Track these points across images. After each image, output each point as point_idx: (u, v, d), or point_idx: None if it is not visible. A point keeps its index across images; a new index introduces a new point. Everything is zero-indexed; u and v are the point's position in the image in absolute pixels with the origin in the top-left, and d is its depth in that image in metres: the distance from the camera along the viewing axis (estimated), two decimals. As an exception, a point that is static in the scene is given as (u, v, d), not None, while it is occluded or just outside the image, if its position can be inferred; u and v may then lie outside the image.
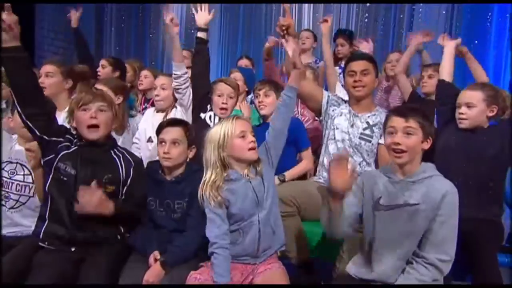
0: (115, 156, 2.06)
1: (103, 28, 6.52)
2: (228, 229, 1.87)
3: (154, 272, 1.88)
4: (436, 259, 1.68)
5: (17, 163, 2.19)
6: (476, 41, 4.35)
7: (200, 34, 2.69)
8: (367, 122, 2.41)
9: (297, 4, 5.29)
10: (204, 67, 2.71)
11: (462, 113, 2.29)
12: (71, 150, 1.98)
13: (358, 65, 2.41)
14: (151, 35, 6.30)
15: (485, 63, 4.09)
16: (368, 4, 4.86)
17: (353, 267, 1.86)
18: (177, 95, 2.78)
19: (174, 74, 2.72)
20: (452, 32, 4.16)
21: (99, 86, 2.77)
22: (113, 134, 2.28)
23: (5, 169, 2.18)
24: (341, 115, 2.48)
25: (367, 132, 2.40)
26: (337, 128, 2.44)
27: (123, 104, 2.84)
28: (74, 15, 3.78)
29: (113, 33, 6.52)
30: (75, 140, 2.01)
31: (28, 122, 1.91)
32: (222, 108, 2.56)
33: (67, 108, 2.16)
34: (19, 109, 1.90)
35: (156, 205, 2.06)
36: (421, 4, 4.51)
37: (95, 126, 1.97)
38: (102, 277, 1.84)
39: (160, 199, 2.06)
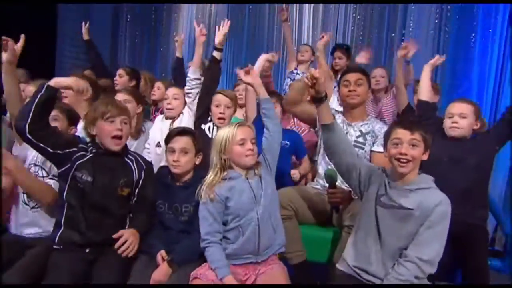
0: (128, 160, 2.07)
1: (118, 42, 6.58)
2: (221, 227, 1.91)
3: (162, 271, 1.89)
4: (416, 258, 1.68)
5: (40, 166, 2.19)
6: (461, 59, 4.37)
7: (215, 54, 2.64)
8: (360, 131, 2.41)
9: (297, 21, 5.33)
10: (212, 82, 2.70)
11: (455, 122, 2.32)
12: (87, 158, 1.97)
13: (352, 76, 2.43)
14: (162, 49, 6.34)
15: (469, 79, 4.15)
16: (362, 23, 4.94)
17: (351, 257, 1.85)
18: (187, 99, 2.79)
19: (188, 77, 2.76)
20: (440, 51, 4.21)
21: (122, 95, 2.77)
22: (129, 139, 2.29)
23: (30, 170, 2.18)
24: (335, 124, 2.48)
25: (360, 140, 2.39)
26: (331, 138, 2.44)
27: (142, 113, 2.87)
28: (84, 28, 3.79)
29: (127, 47, 6.59)
30: (90, 148, 2.00)
31: (40, 144, 1.88)
32: (219, 118, 2.57)
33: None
34: (28, 136, 1.85)
35: (164, 208, 2.06)
36: (411, 23, 4.59)
37: (119, 138, 1.98)
38: (114, 276, 1.85)
39: (168, 203, 2.06)
